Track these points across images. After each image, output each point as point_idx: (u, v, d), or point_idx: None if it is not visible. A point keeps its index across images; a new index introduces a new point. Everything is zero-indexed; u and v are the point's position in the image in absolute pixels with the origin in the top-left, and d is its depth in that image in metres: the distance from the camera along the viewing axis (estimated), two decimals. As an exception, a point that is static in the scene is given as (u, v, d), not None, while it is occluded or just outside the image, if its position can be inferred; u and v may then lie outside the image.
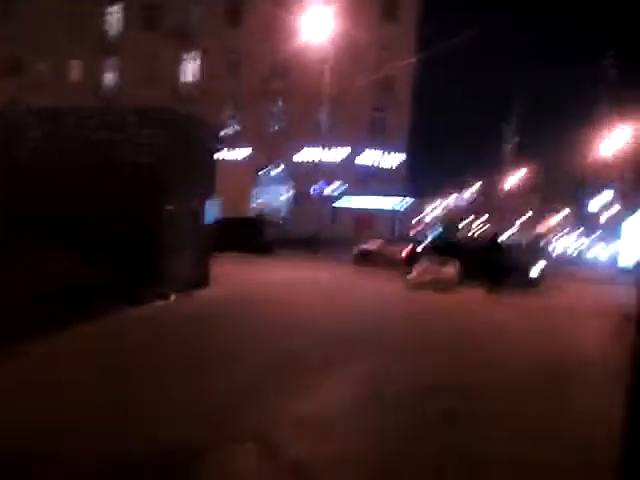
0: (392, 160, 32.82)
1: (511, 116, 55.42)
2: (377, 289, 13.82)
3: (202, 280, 9.75)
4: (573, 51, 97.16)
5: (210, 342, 6.43)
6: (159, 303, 8.34)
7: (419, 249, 17.99)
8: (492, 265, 13.64)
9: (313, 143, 30.79)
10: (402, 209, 32.77)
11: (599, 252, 41.21)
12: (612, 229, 54.14)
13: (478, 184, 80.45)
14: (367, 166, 31.81)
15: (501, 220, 66.65)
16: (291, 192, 33.16)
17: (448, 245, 18.53)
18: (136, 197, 8.51)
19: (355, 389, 5.10)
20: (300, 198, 31.56)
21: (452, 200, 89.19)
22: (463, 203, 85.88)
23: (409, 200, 33.84)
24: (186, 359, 5.65)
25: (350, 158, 31.74)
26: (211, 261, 10.48)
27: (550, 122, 77.79)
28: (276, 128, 33.82)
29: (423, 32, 33.26)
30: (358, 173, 31.31)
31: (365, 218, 29.24)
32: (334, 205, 29.97)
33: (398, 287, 13.76)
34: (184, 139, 9.20)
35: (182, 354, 5.86)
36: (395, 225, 31.20)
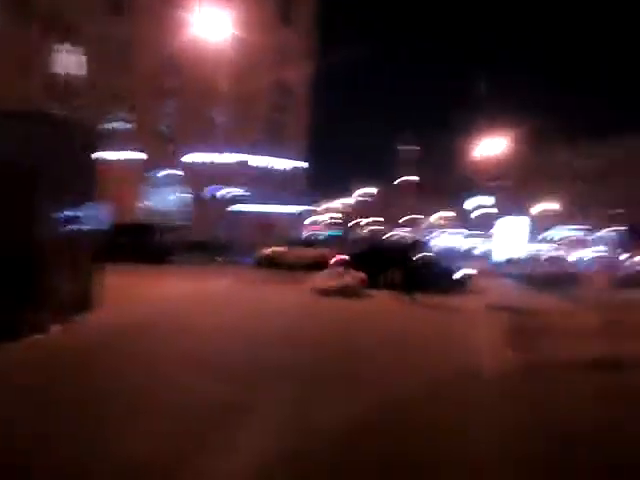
0: (291, 163, 32.45)
1: (404, 124, 58.01)
2: (282, 298, 13.14)
3: (89, 301, 8.43)
4: (453, 64, 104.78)
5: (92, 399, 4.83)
6: (35, 337, 6.81)
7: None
8: (413, 270, 13.67)
9: (208, 144, 29.49)
10: (301, 212, 32.53)
11: (478, 247, 44.26)
12: (487, 226, 58.66)
13: (371, 188, 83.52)
14: (265, 169, 31.12)
15: (391, 220, 69.67)
16: (185, 195, 31.52)
17: (372, 252, 18.24)
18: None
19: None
20: (195, 201, 30.13)
21: (347, 202, 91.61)
22: (357, 205, 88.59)
23: (308, 203, 33.71)
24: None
25: (247, 160, 30.86)
26: (100, 276, 9.13)
27: (436, 131, 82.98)
28: (168, 127, 31.92)
29: (321, 36, 33.47)
30: (256, 176, 30.50)
31: (265, 222, 28.54)
32: (232, 208, 28.92)
33: (304, 295, 13.25)
34: (56, 138, 7.86)
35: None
36: (295, 228, 30.83)
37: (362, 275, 14.04)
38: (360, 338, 8.49)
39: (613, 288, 11.41)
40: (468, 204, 47.96)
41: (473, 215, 48.55)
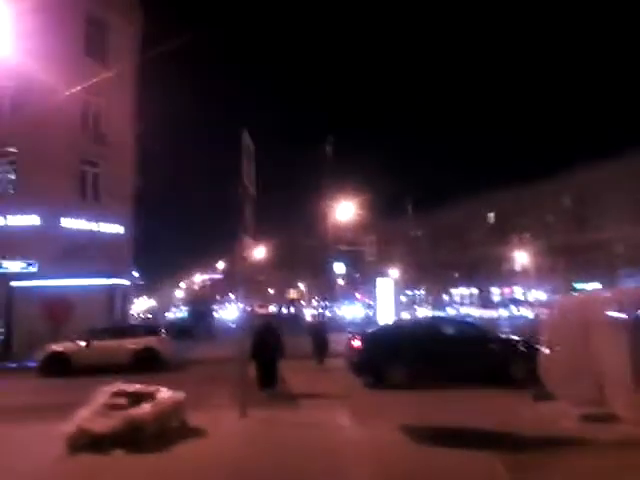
0: (111, 229, 24.22)
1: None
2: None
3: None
4: (302, 132, 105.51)
5: None
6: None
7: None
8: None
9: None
10: (125, 288, 23.92)
11: (350, 313, 39.55)
12: (349, 293, 54.40)
13: (222, 262, 75.70)
14: (75, 234, 22.43)
15: (252, 296, 62.40)
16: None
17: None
18: None
19: None
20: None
21: (198, 279, 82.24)
22: (210, 281, 79.78)
23: (134, 278, 25.31)
24: None
25: (49, 223, 22.01)
26: None
27: (286, 196, 79.48)
28: None
29: (143, 82, 26.89)
30: (61, 244, 21.62)
31: (61, 302, 19.30)
32: (12, 285, 19.61)
33: (37, 456, 5.70)
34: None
35: None
36: (114, 310, 22.03)
37: (179, 397, 6.93)
38: None
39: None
40: (329, 271, 43.47)
41: (333, 282, 44.04)
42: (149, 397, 6.79)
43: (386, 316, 21.42)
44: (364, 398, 9.52)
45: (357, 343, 10.99)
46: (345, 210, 41.01)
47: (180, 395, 7.05)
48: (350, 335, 11.85)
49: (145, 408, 6.41)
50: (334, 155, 45.57)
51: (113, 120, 24.73)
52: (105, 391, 6.83)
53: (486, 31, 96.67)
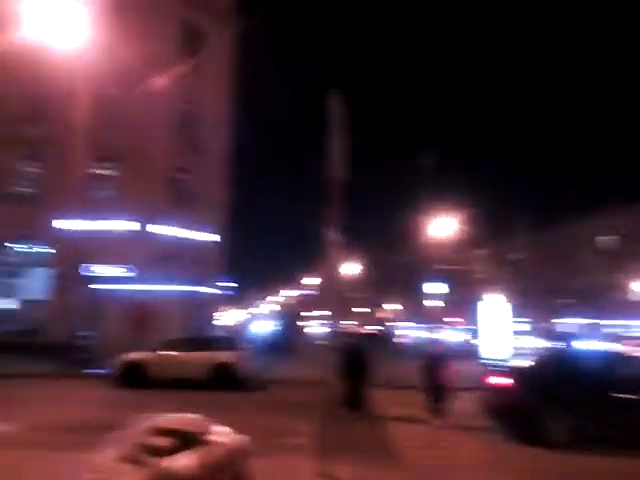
0: (204, 237, 23.60)
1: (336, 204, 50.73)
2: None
3: None
4: (398, 145, 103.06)
5: None
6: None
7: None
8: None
9: (85, 210, 20.39)
10: (212, 298, 22.99)
11: (446, 337, 35.84)
12: (445, 315, 50.29)
13: (316, 277, 74.76)
14: (168, 241, 22.00)
15: (341, 313, 60.54)
16: (52, 277, 21.41)
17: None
18: None
19: None
20: (64, 285, 20.12)
21: (290, 292, 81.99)
22: (302, 296, 79.24)
23: (224, 288, 24.41)
24: None
25: (143, 230, 21.75)
26: None
27: (379, 212, 77.15)
28: (29, 187, 22.20)
29: (239, 90, 26.42)
30: (154, 250, 21.25)
31: (145, 309, 18.54)
32: (100, 290, 19.29)
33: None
34: None
35: None
36: (197, 320, 21.02)
37: (241, 442, 4.98)
38: None
39: None
40: (421, 291, 40.27)
41: (428, 304, 40.75)
42: (201, 440, 4.89)
43: (495, 344, 18.19)
44: (501, 461, 6.94)
45: (502, 381, 8.26)
46: (445, 226, 37.74)
47: (243, 440, 5.07)
48: (490, 369, 9.08)
49: (189, 459, 4.49)
50: (436, 167, 42.57)
51: (208, 127, 24.37)
52: (146, 422, 5.02)
53: (602, 47, 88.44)
